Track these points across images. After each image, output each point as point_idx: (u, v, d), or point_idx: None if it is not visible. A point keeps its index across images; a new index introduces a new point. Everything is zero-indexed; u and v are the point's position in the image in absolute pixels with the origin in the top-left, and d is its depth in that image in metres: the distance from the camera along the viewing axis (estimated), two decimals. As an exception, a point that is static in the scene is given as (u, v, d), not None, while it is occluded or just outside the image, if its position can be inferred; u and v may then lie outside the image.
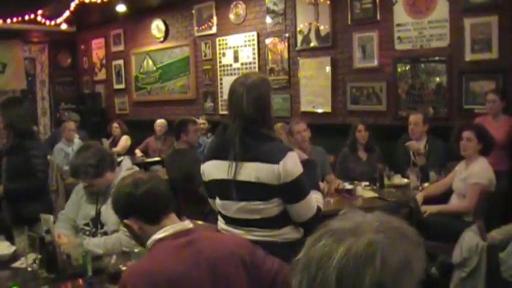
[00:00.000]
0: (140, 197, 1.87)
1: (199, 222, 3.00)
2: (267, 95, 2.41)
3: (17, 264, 2.79)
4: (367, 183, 4.87)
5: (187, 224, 1.91)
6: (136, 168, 3.23)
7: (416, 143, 5.10)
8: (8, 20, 8.94)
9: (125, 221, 1.91)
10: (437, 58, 5.71)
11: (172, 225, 1.86)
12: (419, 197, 4.34)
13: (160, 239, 1.83)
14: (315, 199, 2.47)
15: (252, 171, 2.31)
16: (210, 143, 2.70)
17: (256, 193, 2.34)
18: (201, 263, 1.75)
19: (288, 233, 2.42)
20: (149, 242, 1.85)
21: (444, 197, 4.43)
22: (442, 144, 5.03)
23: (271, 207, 2.36)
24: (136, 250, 2.48)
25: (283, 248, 2.22)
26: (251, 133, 2.33)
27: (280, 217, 2.39)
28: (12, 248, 2.96)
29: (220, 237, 2.02)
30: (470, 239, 3.65)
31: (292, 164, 2.33)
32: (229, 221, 2.49)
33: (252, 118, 2.32)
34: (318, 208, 2.47)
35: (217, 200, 2.53)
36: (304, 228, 2.45)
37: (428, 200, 4.35)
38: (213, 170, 2.47)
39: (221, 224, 2.56)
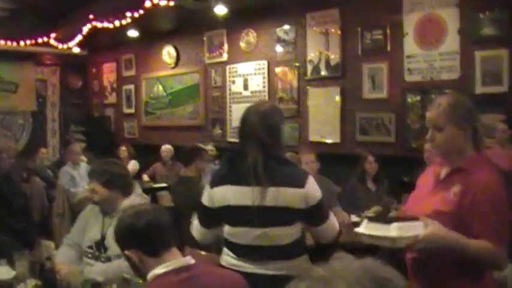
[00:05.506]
0: (141, 229, 1.87)
1: (202, 252, 2.95)
2: (280, 123, 2.46)
3: (16, 290, 2.75)
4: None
5: (189, 259, 1.89)
6: (145, 196, 3.29)
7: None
8: (22, 43, 9.09)
9: (126, 252, 1.91)
10: (447, 90, 5.67)
11: (174, 261, 1.84)
12: None
13: (161, 275, 1.81)
14: (333, 218, 2.55)
15: (279, 196, 2.30)
16: (220, 169, 2.64)
17: (281, 218, 2.33)
18: None
19: (304, 264, 2.40)
20: (149, 276, 1.83)
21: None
22: None
23: (293, 232, 2.38)
24: (140, 281, 2.44)
25: None
26: (272, 158, 2.35)
27: (298, 243, 2.41)
28: (12, 273, 2.91)
29: (221, 272, 2.01)
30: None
31: (315, 187, 2.39)
32: (243, 252, 2.39)
33: (269, 145, 2.35)
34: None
35: (229, 228, 2.42)
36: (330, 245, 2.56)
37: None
38: (230, 196, 2.38)
39: (230, 259, 2.45)
